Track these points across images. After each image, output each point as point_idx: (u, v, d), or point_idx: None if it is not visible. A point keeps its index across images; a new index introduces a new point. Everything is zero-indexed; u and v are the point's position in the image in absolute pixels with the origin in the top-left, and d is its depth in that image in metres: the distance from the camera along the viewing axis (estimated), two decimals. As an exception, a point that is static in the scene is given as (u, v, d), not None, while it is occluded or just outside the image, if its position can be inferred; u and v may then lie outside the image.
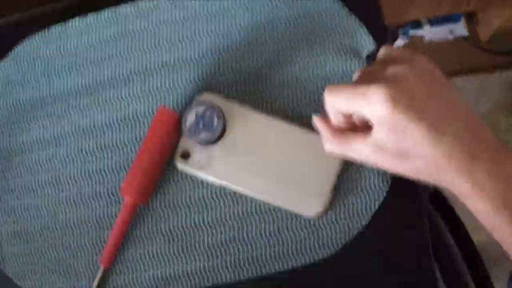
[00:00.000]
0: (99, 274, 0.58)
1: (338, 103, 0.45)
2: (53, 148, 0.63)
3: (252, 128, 0.57)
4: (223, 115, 0.56)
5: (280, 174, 0.56)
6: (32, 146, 0.64)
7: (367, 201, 0.56)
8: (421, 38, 1.24)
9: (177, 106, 0.62)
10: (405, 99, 0.40)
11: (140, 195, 0.58)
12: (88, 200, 0.61)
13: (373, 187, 0.56)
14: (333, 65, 0.60)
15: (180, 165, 0.58)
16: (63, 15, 0.66)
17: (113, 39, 0.65)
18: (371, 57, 0.60)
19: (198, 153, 0.57)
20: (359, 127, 0.47)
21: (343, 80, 0.59)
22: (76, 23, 0.66)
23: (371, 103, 0.41)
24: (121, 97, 0.62)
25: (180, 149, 0.58)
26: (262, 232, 0.58)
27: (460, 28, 1.23)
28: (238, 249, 0.58)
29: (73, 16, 0.66)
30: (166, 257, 0.59)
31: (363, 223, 0.56)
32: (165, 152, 0.59)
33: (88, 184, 0.61)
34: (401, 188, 0.56)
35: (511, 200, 0.40)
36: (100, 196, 0.61)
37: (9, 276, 0.62)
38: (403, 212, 0.57)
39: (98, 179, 0.61)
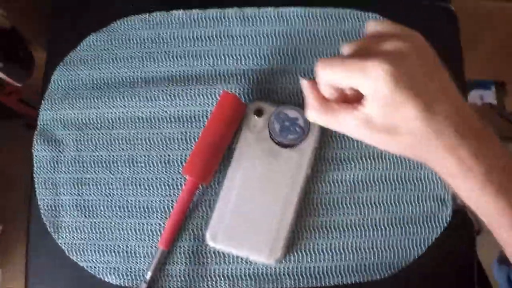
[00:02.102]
0: (157, 256, 0.58)
1: (332, 76, 0.44)
2: (135, 128, 0.63)
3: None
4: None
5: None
6: (113, 122, 0.64)
7: (426, 234, 0.59)
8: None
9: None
10: (406, 77, 0.41)
11: (201, 175, 0.59)
12: (163, 186, 0.62)
13: (433, 221, 0.60)
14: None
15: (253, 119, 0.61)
16: (163, 4, 0.68)
17: (214, 38, 0.66)
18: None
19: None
20: (349, 100, 0.46)
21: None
22: (180, 14, 0.67)
23: (371, 78, 0.41)
24: (214, 94, 0.63)
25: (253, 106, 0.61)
26: (328, 246, 0.59)
27: (490, 96, 1.29)
28: (298, 258, 0.59)
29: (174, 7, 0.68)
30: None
31: (420, 252, 0.59)
32: (227, 134, 0.60)
33: (166, 170, 0.62)
34: (458, 223, 0.59)
35: (495, 178, 0.41)
36: (176, 184, 0.62)
37: (60, 247, 0.61)
38: (457, 243, 0.60)
39: (177, 168, 0.62)
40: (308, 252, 0.59)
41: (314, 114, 0.48)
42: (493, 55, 1.11)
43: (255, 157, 0.59)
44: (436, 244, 0.59)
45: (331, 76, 0.44)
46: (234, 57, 0.65)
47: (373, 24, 0.47)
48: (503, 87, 1.30)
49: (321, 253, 0.59)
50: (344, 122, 0.45)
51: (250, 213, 0.58)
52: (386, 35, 0.44)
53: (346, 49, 0.47)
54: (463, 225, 0.60)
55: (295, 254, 0.59)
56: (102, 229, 0.61)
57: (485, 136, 0.42)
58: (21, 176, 0.73)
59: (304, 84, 0.49)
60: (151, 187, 0.62)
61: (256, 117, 0.60)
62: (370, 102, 0.43)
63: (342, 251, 0.59)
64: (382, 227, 0.59)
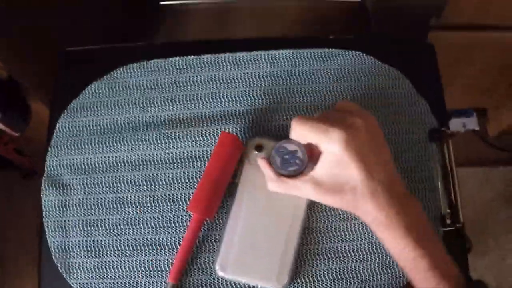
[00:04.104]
0: (168, 290, 0.62)
1: (303, 131, 0.55)
2: (139, 170, 0.67)
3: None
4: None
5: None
6: (118, 165, 0.67)
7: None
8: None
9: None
10: (356, 144, 0.52)
11: (205, 211, 0.62)
12: (168, 223, 0.65)
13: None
14: (401, 132, 0.68)
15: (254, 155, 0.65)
16: (162, 53, 0.72)
17: (210, 82, 0.71)
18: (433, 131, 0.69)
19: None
20: (313, 152, 0.57)
21: (412, 149, 0.67)
22: (176, 61, 0.71)
23: (330, 139, 0.52)
24: (212, 135, 0.68)
25: (253, 142, 0.66)
26: (330, 272, 0.63)
27: (472, 123, 1.34)
28: (303, 284, 0.63)
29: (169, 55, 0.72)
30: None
31: None
32: (227, 171, 0.64)
33: (171, 209, 0.65)
34: (451, 241, 0.60)
35: (414, 231, 0.52)
36: (182, 221, 0.65)
37: (72, 287, 0.64)
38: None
39: (182, 206, 0.65)
40: (311, 278, 0.63)
41: (275, 185, 0.59)
42: (472, 84, 1.16)
43: (257, 189, 0.63)
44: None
45: (302, 131, 0.55)
46: (230, 98, 0.69)
47: (342, 103, 0.59)
48: (485, 114, 1.37)
49: (323, 278, 0.63)
50: (299, 187, 0.57)
51: (257, 242, 0.61)
52: (349, 111, 0.56)
53: (318, 114, 0.61)
54: (456, 242, 0.65)
55: (300, 280, 0.63)
56: (112, 268, 0.64)
57: (408, 201, 0.54)
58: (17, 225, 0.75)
59: (260, 161, 0.61)
60: (157, 226, 0.65)
61: (256, 152, 0.64)
62: (323, 163, 0.55)
63: (342, 275, 0.63)
64: (379, 250, 0.63)
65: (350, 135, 0.52)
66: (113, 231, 0.65)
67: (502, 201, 1.45)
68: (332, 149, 0.53)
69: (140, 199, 0.66)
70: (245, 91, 0.70)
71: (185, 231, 0.64)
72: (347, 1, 0.97)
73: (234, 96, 0.69)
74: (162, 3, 1.00)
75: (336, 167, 0.54)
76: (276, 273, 0.60)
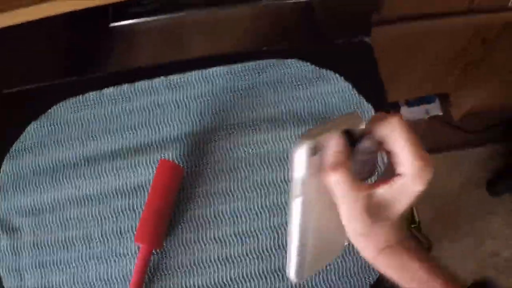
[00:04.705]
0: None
1: (400, 141, 0.43)
2: (86, 206, 0.67)
3: None
4: None
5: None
6: (64, 204, 0.67)
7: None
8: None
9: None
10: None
11: (152, 241, 0.63)
12: (118, 256, 0.65)
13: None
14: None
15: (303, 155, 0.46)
16: (98, 84, 0.72)
17: (145, 109, 0.71)
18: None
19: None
20: None
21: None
22: (111, 91, 0.71)
23: (422, 178, 0.42)
24: (154, 162, 0.67)
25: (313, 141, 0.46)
26: None
27: (435, 108, 1.35)
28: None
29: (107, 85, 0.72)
30: None
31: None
32: (170, 198, 0.64)
33: (120, 242, 0.65)
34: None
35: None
36: (131, 252, 0.65)
37: (33, 331, 0.64)
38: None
39: (130, 237, 0.65)
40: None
41: (332, 173, 0.45)
42: (429, 71, 1.16)
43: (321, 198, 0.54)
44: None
45: (400, 140, 0.43)
46: (166, 124, 0.69)
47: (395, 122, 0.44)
48: (447, 99, 1.36)
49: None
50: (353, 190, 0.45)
51: (325, 245, 0.59)
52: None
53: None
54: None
55: None
56: (70, 307, 0.64)
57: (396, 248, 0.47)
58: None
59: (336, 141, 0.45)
60: (108, 260, 0.65)
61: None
62: (393, 185, 0.44)
63: None
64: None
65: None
66: (66, 269, 0.65)
67: (473, 184, 1.45)
68: (414, 188, 0.42)
69: (89, 235, 0.66)
70: (180, 114, 0.70)
71: (135, 263, 0.64)
72: (298, 1, 0.96)
73: (171, 121, 0.69)
74: (112, 24, 0.99)
75: (390, 201, 0.44)
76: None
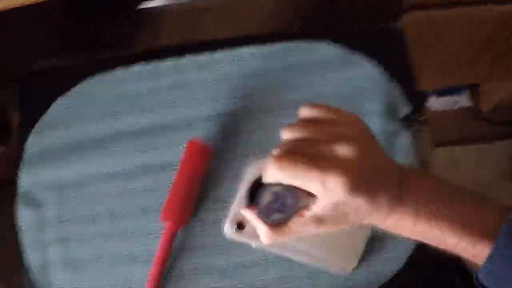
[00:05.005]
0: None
1: (294, 179, 0.44)
2: (110, 183, 0.67)
3: None
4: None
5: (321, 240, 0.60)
6: (89, 179, 0.67)
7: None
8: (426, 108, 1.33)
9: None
10: (358, 181, 0.42)
11: (178, 220, 0.63)
12: (142, 233, 0.65)
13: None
14: (374, 124, 0.66)
15: (235, 235, 0.54)
16: (126, 62, 0.72)
17: (173, 87, 0.70)
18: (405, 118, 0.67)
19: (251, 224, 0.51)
20: None
21: (387, 139, 0.66)
22: (139, 68, 0.71)
23: (329, 191, 0.42)
24: (180, 142, 0.67)
25: (234, 219, 0.53)
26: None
27: (464, 99, 1.33)
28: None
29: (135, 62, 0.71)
30: None
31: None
32: (198, 177, 0.64)
33: (144, 219, 0.65)
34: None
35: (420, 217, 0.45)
36: (155, 230, 0.65)
37: (53, 304, 0.64)
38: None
39: (154, 215, 0.65)
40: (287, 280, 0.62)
41: (269, 239, 0.48)
42: (458, 60, 1.14)
43: None
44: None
45: (292, 179, 0.44)
46: (194, 103, 0.69)
47: (308, 110, 0.47)
48: (477, 89, 1.33)
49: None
50: (301, 231, 0.47)
51: None
52: (323, 120, 0.46)
53: (286, 134, 0.46)
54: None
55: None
56: (92, 281, 0.64)
57: (409, 187, 0.45)
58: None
59: (246, 213, 0.49)
60: (132, 237, 0.65)
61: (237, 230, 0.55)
62: (321, 203, 0.44)
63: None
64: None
65: (349, 175, 0.42)
66: (90, 244, 0.65)
67: (501, 177, 1.42)
68: (333, 199, 0.43)
69: (113, 211, 0.66)
70: (209, 93, 0.69)
71: (159, 241, 0.63)
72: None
73: (198, 100, 0.69)
74: (140, 6, 0.99)
75: (339, 208, 0.44)
76: None
